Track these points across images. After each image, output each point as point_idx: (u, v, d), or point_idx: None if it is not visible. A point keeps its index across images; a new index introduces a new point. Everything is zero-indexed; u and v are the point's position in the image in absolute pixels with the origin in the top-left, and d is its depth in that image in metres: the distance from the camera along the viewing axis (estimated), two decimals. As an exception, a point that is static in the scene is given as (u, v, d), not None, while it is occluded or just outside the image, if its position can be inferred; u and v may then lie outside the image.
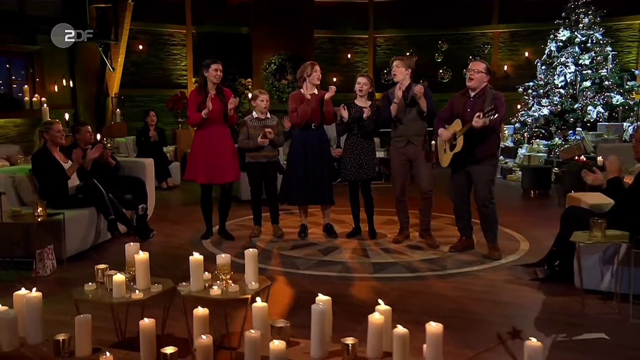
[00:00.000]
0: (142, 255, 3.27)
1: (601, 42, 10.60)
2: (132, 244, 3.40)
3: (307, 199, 6.06)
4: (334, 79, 13.93)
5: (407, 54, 12.48)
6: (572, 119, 10.19)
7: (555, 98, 10.44)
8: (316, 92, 5.97)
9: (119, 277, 3.14)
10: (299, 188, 5.99)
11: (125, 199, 6.02)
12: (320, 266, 5.18)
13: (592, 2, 10.76)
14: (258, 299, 2.97)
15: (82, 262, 5.31)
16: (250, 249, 3.31)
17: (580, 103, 10.30)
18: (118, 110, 11.89)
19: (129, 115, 12.20)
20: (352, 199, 6.11)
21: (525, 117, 10.98)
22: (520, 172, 10.48)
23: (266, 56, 13.24)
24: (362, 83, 5.88)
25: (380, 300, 2.77)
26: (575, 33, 10.61)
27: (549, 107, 10.44)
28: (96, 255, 5.52)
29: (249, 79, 13.47)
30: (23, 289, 3.16)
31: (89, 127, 6.42)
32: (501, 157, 11.27)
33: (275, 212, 6.29)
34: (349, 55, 14.13)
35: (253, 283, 3.24)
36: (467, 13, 13.26)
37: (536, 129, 10.45)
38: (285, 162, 6.42)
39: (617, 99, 10.19)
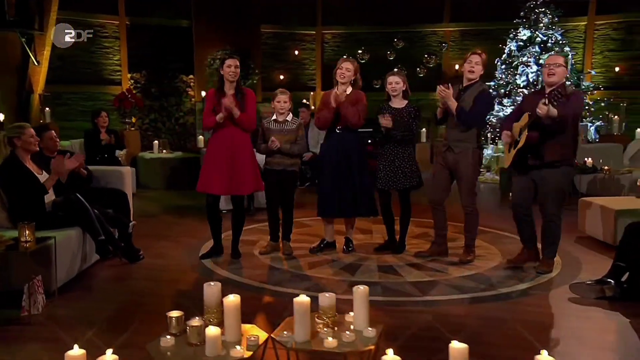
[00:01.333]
0: (233, 299, 2.61)
1: (560, 42, 10.71)
2: (211, 283, 2.73)
3: (341, 211, 5.46)
4: (281, 77, 13.36)
5: (359, 51, 12.08)
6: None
7: (517, 98, 10.42)
8: (347, 92, 5.33)
9: (213, 331, 2.47)
10: (330, 198, 5.39)
11: (110, 215, 5.18)
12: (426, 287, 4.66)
13: (550, 1, 10.83)
14: (390, 351, 2.40)
15: (73, 294, 4.47)
16: (360, 286, 2.73)
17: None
18: (47, 109, 10.65)
19: (57, 114, 10.99)
20: (385, 211, 5.59)
21: (489, 117, 10.89)
22: (488, 174, 10.41)
23: (210, 51, 12.42)
24: (393, 82, 5.39)
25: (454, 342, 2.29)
26: (537, 33, 10.63)
27: (511, 107, 10.40)
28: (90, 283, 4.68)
29: (191, 76, 12.59)
30: (76, 347, 2.39)
31: (53, 132, 5.49)
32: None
33: (288, 228, 5.66)
34: (296, 52, 13.58)
35: (370, 330, 2.66)
36: (418, 11, 13.09)
37: (499, 129, 10.38)
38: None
39: (579, 98, 10.31)
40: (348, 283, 4.70)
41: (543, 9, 10.68)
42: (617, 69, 11.99)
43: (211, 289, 2.69)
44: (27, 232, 4.06)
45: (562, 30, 11.02)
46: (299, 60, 13.59)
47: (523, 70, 10.64)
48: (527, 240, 5.12)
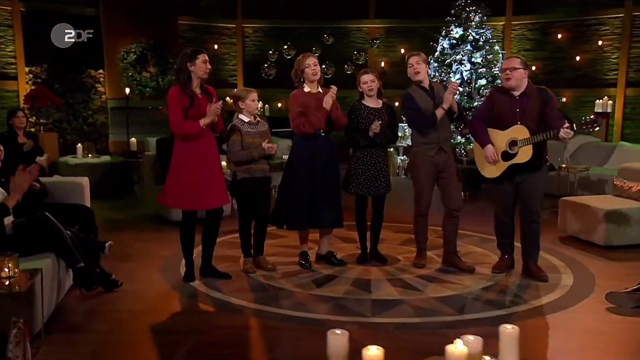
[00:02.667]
0: (376, 354, 2.10)
1: (490, 40, 10.88)
2: (337, 331, 2.19)
3: (311, 222, 5.00)
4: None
5: (285, 47, 11.60)
6: (470, 117, 10.27)
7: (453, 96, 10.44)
8: (320, 91, 4.94)
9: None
10: (302, 208, 4.92)
11: (81, 236, 4.37)
12: (379, 307, 4.22)
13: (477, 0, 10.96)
14: None
15: (59, 337, 3.67)
16: (508, 326, 2.33)
17: (477, 101, 10.46)
18: None
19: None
20: (360, 217, 5.21)
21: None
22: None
23: (122, 44, 11.41)
24: (368, 81, 5.02)
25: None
26: (469, 31, 10.72)
27: (448, 105, 10.44)
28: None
29: (101, 70, 11.49)
30: None
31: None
32: (405, 157, 11.07)
33: (262, 240, 5.12)
34: (216, 46, 12.83)
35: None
36: (343, 6, 12.84)
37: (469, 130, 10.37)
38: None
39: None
40: (371, 303, 4.30)
41: (473, 7, 10.78)
42: (533, 68, 12.44)
43: (338, 339, 2.16)
44: (9, 265, 3.25)
45: (492, 30, 11.22)
46: (219, 55, 12.87)
47: (457, 69, 10.68)
48: (508, 246, 5.06)
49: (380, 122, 4.90)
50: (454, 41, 10.88)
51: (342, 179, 5.09)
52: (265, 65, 11.51)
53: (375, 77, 5.03)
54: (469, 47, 10.77)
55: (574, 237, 6.09)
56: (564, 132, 4.35)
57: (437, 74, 11.00)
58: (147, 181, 7.35)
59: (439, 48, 11.05)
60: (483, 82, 10.62)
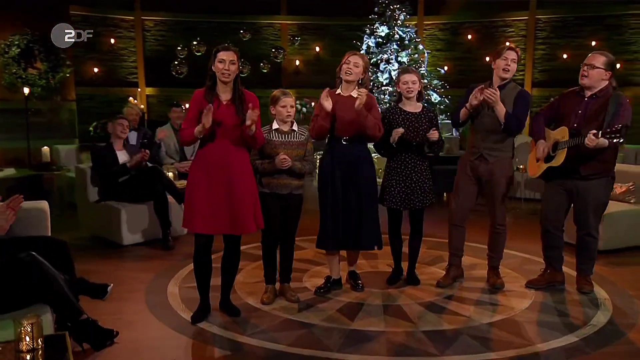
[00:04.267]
0: None
1: (415, 40, 10.76)
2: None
3: (343, 242, 4.36)
4: (95, 69, 11.25)
5: (194, 42, 10.67)
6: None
7: (382, 96, 10.20)
8: (354, 95, 4.29)
9: None
10: (327, 225, 4.29)
11: (74, 280, 3.41)
12: (446, 341, 3.66)
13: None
14: None
15: None
16: None
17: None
18: None
19: None
20: (393, 233, 4.65)
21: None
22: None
23: (2, 35, 9.82)
24: (409, 82, 4.44)
25: None
26: (395, 29, 10.52)
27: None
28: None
29: (-24, 67, 9.82)
30: None
31: None
32: None
33: (289, 267, 4.42)
34: (112, 40, 11.51)
35: None
36: (253, 1, 12.12)
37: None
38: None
39: (435, 97, 10.48)
40: (416, 335, 3.75)
41: (397, 5, 10.60)
42: (445, 68, 12.57)
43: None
44: (31, 332, 2.33)
45: (416, 29, 11.12)
46: (116, 51, 11.56)
47: (385, 68, 10.43)
48: (554, 260, 4.67)
49: (402, 129, 4.37)
50: (380, 39, 10.64)
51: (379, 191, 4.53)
52: (176, 62, 10.49)
53: (417, 77, 4.43)
54: (394, 46, 10.58)
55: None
56: (588, 139, 4.04)
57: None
58: (80, 199, 6.23)
59: (364, 47, 10.76)
60: (411, 82, 10.48)
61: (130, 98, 11.35)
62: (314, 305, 4.25)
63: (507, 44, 12.52)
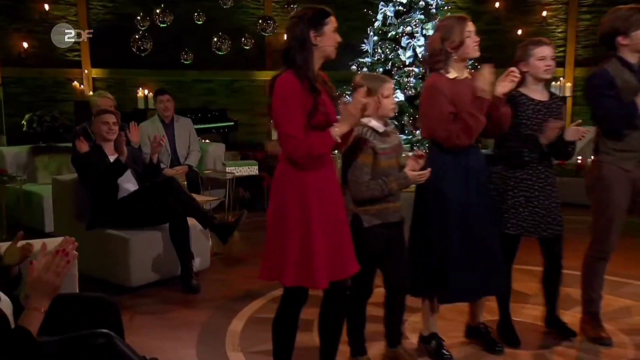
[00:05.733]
0: None
1: (443, 8, 10.45)
2: None
3: (481, 289, 3.97)
4: (24, 45, 10.49)
5: (157, 11, 10.07)
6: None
7: (407, 79, 9.84)
8: (469, 76, 3.93)
9: None
10: (464, 269, 3.85)
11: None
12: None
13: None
14: None
15: None
16: None
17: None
18: None
19: None
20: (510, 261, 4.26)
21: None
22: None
23: None
24: (548, 56, 4.09)
25: None
26: (418, -6, 10.19)
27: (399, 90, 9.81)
28: None
29: None
30: None
31: None
32: None
33: (400, 321, 4.00)
34: (46, 6, 10.73)
35: None
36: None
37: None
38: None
39: (468, 79, 10.22)
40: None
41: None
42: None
43: None
44: None
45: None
46: (50, 20, 10.81)
47: (408, 44, 10.07)
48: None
49: (562, 122, 4.03)
50: (400, 8, 10.28)
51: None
52: (137, 36, 9.87)
53: (554, 50, 4.12)
54: (419, 15, 10.25)
55: None
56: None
57: (379, 50, 10.34)
58: (61, 224, 5.68)
59: (379, 17, 10.37)
60: (440, 60, 10.18)
61: (75, 82, 10.75)
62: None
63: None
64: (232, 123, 10.95)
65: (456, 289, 3.84)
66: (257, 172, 7.67)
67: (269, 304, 4.88)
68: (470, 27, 3.79)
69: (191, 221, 5.39)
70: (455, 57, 3.81)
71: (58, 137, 9.39)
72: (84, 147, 5.50)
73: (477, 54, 3.82)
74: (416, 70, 9.94)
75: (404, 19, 10.17)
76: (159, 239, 5.37)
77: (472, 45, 3.79)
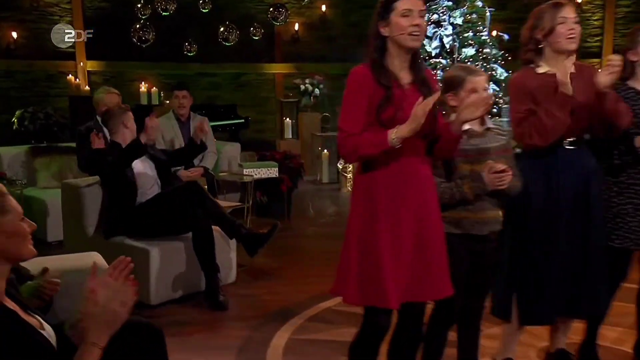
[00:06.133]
0: None
1: (472, -7, 10.24)
2: None
3: (574, 309, 3.69)
4: (14, 34, 10.30)
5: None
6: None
7: (433, 72, 9.61)
8: (573, 70, 3.62)
9: None
10: (556, 286, 3.59)
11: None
12: None
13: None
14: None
15: None
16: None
17: (462, 79, 9.82)
18: None
19: None
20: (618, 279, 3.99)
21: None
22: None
23: None
24: None
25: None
26: (445, -23, 9.98)
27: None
28: None
29: None
30: None
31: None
32: None
33: (476, 348, 3.73)
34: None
35: None
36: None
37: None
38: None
39: (500, 72, 9.99)
40: None
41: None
42: (493, 32, 12.17)
43: None
44: None
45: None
46: (42, 7, 10.70)
47: (435, 33, 9.87)
48: None
49: None
50: (428, -8, 10.10)
51: None
52: (138, 25, 9.68)
53: None
54: (447, 2, 10.03)
55: None
56: None
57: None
58: (71, 233, 5.46)
59: (402, 2, 10.18)
60: (470, 51, 9.95)
61: (70, 76, 10.55)
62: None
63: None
64: (243, 120, 10.68)
65: (545, 308, 3.58)
66: (277, 174, 7.39)
67: (306, 323, 4.68)
68: (567, 12, 3.48)
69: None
70: (548, 49, 3.55)
71: (52, 136, 9.21)
72: (99, 143, 5.26)
73: (571, 45, 3.49)
74: (443, 62, 9.79)
75: (430, 5, 10.03)
76: (182, 250, 5.11)
77: (565, 33, 3.48)
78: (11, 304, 2.19)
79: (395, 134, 2.90)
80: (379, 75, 3.01)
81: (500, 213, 3.46)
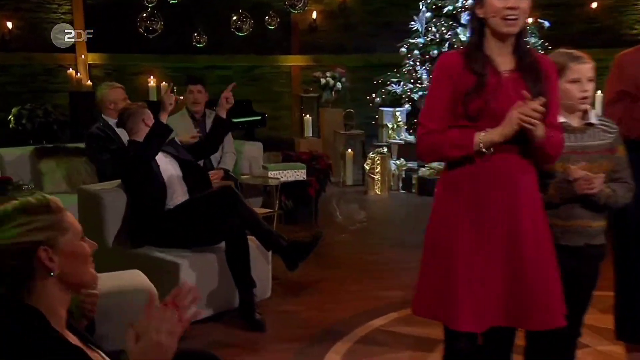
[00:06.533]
0: None
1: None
2: None
3: None
4: (9, 25, 10.08)
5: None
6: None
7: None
8: None
9: None
10: None
11: None
12: None
13: None
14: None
15: None
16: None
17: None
18: None
19: None
20: None
21: (418, 94, 9.67)
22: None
23: None
24: None
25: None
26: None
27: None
28: None
29: None
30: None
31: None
32: (402, 160, 9.86)
33: None
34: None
35: None
36: None
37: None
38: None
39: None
40: None
41: None
42: (529, 20, 11.99)
43: None
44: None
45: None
46: (40, -1, 10.61)
47: (469, 20, 9.65)
48: None
49: None
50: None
51: None
52: (145, 14, 9.52)
53: None
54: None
55: None
56: None
57: (433, 28, 9.92)
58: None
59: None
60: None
61: (71, 70, 10.36)
62: None
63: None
64: (260, 117, 10.46)
65: None
66: (305, 176, 7.17)
67: (356, 346, 4.47)
68: None
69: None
70: None
71: (52, 135, 9.02)
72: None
73: None
74: (478, 52, 9.56)
75: (466, -9, 9.80)
76: (214, 263, 4.88)
77: None
78: (73, 338, 1.99)
79: (483, 137, 2.72)
80: (471, 60, 2.84)
81: (603, 224, 3.23)
